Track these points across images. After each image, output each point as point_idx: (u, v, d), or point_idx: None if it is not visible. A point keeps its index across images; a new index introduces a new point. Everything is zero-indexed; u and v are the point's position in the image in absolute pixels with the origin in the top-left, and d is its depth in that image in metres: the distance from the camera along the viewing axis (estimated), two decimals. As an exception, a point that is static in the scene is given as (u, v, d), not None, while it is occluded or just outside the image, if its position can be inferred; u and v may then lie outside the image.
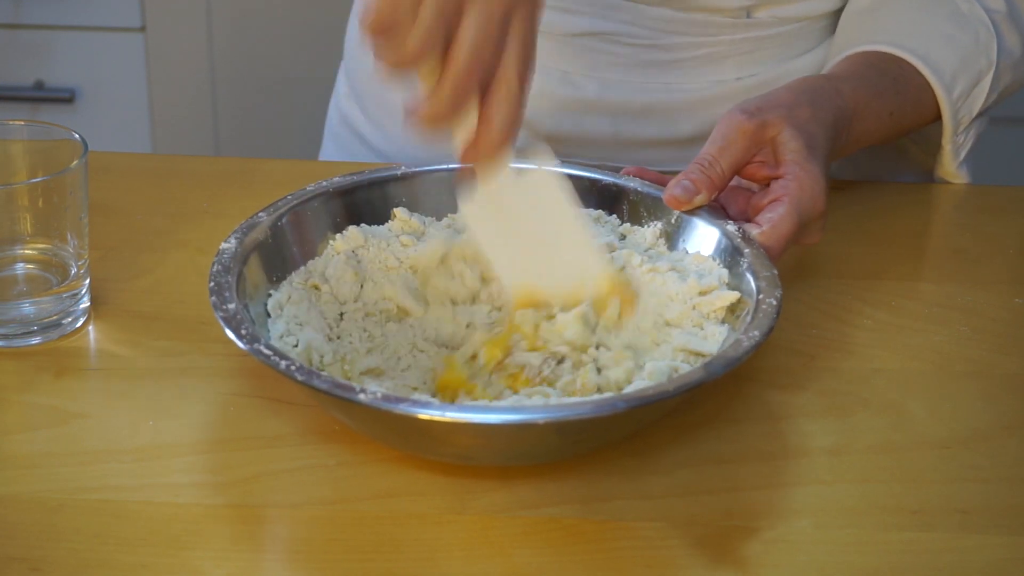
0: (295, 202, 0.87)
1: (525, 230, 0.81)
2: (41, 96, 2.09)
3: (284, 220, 0.85)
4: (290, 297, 0.82)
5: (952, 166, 1.07)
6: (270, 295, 0.82)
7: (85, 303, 0.87)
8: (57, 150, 0.86)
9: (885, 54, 1.02)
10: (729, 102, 1.10)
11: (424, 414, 0.68)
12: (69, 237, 0.85)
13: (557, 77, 1.11)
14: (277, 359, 0.72)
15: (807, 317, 0.90)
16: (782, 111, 0.90)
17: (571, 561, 0.70)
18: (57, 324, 0.85)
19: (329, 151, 1.28)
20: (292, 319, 0.80)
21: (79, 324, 0.86)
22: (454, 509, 0.73)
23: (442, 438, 0.72)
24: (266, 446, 0.77)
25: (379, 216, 0.90)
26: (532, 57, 0.77)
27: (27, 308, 0.84)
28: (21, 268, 0.85)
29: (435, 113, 0.74)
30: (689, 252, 0.86)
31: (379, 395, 0.69)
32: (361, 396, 0.69)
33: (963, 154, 1.07)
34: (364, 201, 0.90)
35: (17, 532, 0.71)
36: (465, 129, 0.76)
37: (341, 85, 1.27)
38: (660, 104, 1.10)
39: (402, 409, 0.69)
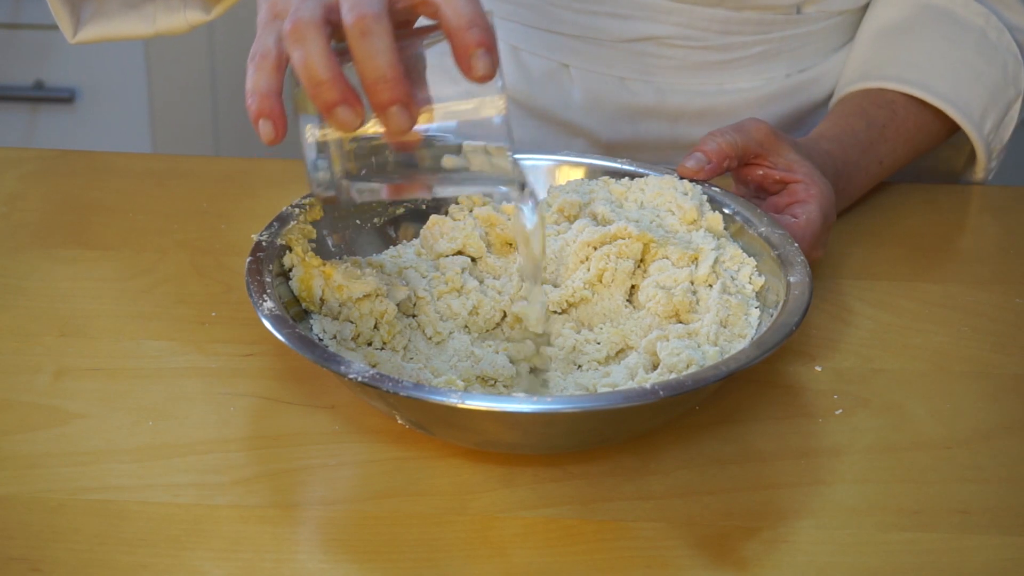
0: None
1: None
2: (41, 96, 2.09)
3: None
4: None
5: (981, 178, 1.11)
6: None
7: None
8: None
9: (880, 95, 1.04)
10: (781, 99, 1.12)
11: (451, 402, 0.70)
12: None
13: (613, 84, 1.11)
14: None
15: (807, 317, 0.90)
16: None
17: (571, 561, 0.70)
18: None
19: None
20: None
21: None
22: (454, 509, 0.73)
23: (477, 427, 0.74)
24: (266, 446, 0.77)
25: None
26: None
27: None
28: None
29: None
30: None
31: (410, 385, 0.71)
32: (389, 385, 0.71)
33: (993, 172, 1.10)
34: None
35: (17, 532, 0.71)
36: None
37: None
38: (716, 106, 1.11)
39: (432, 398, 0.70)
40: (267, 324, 0.76)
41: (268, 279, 0.79)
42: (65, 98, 2.08)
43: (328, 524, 0.72)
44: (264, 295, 0.78)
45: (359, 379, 0.71)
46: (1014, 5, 1.06)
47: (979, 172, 1.08)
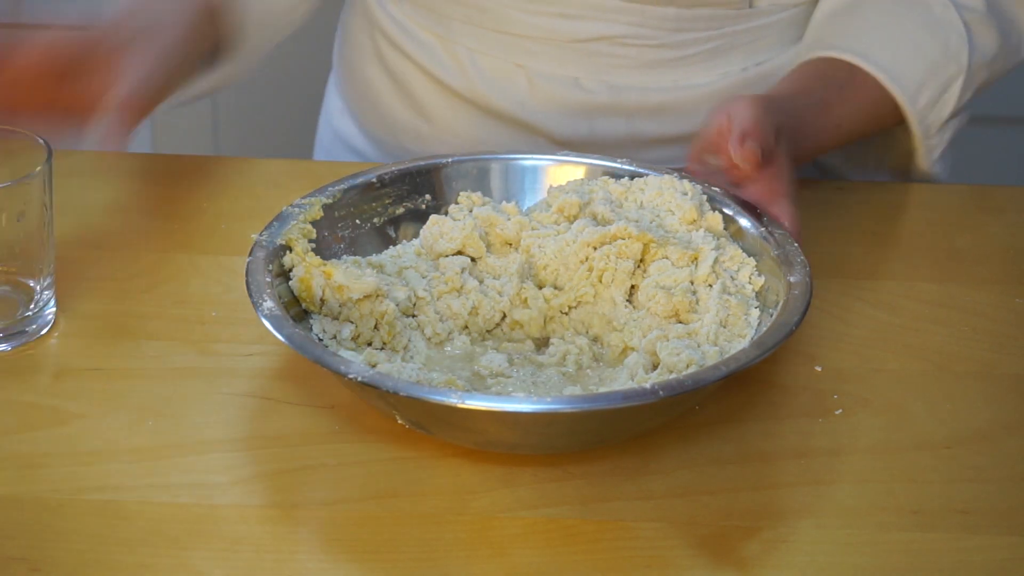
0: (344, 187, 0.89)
1: None
2: (41, 96, 2.09)
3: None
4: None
5: (925, 165, 1.08)
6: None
7: (51, 313, 0.86)
8: (17, 154, 0.83)
9: (838, 61, 1.03)
10: (737, 93, 1.11)
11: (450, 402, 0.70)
12: (32, 253, 0.83)
13: (567, 84, 1.10)
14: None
15: (807, 317, 0.90)
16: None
17: (571, 561, 0.70)
18: (22, 332, 0.84)
19: None
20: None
21: (44, 332, 0.85)
22: (454, 509, 0.73)
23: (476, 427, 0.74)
24: (266, 446, 0.77)
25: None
26: None
27: None
28: None
29: None
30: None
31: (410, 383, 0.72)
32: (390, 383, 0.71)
33: (936, 154, 1.08)
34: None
35: (17, 532, 0.71)
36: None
37: (333, 101, 1.26)
38: (672, 102, 1.11)
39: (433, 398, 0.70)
40: (267, 324, 0.76)
41: (268, 279, 0.79)
42: (65, 98, 2.08)
43: (328, 524, 0.72)
44: (264, 295, 0.78)
45: (359, 379, 0.71)
46: None
47: (918, 148, 1.06)
